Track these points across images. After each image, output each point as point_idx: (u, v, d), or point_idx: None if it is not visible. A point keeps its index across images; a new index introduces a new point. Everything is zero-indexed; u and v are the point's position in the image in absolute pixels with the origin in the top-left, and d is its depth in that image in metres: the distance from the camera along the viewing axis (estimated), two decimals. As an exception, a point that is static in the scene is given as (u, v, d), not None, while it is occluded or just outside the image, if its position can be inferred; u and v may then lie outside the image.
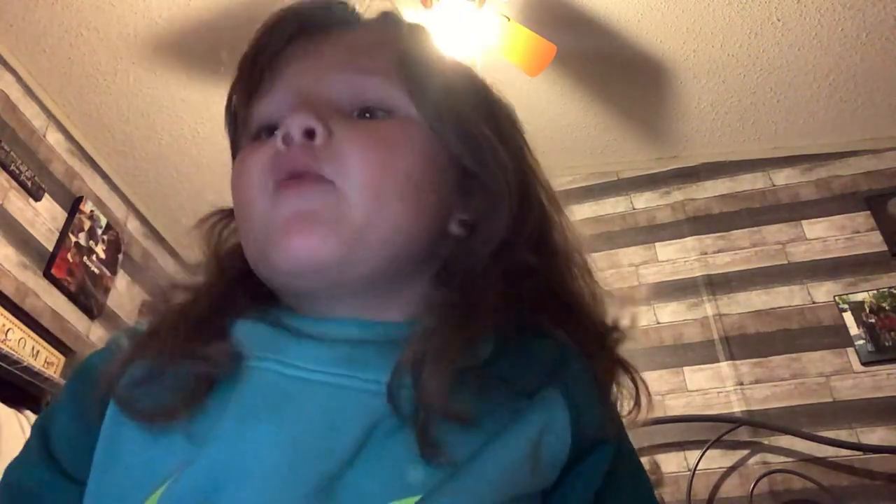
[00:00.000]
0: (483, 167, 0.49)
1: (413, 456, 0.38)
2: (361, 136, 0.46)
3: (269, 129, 0.49)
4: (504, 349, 0.44)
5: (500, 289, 0.45)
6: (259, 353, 0.43)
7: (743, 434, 2.16)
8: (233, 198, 0.49)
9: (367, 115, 0.48)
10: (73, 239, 2.28)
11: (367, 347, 0.44)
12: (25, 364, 1.79)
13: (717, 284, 2.44)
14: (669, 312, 2.43)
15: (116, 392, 0.44)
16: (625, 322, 0.51)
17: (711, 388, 2.26)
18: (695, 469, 2.09)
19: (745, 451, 2.15)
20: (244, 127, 0.51)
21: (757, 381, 2.24)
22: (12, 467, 0.47)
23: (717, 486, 2.11)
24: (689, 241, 2.55)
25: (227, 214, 0.54)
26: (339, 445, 0.39)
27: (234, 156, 0.54)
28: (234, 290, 0.48)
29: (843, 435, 2.07)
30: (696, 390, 2.27)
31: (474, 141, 0.49)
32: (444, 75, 0.51)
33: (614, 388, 0.49)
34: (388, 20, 0.54)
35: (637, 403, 0.49)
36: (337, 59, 0.49)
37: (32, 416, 1.72)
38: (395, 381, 0.40)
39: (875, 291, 2.28)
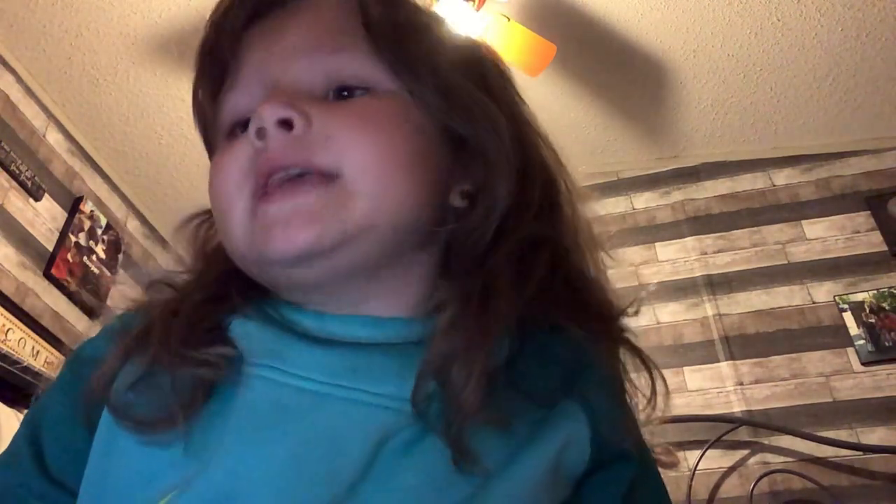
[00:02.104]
0: (474, 128, 0.45)
1: (430, 477, 0.36)
2: (345, 118, 0.42)
3: (243, 125, 0.45)
4: (519, 349, 0.41)
5: (514, 264, 0.42)
6: (260, 359, 0.40)
7: (743, 434, 2.16)
8: (211, 205, 0.46)
9: (345, 93, 0.44)
10: (73, 239, 2.28)
11: (375, 353, 0.41)
12: (25, 364, 1.79)
13: (717, 284, 2.44)
14: (669, 312, 2.43)
15: (109, 399, 0.40)
16: (630, 307, 0.48)
17: (711, 388, 2.26)
18: (695, 469, 2.09)
19: (745, 451, 2.15)
20: (215, 124, 0.48)
21: (757, 381, 2.24)
22: (2, 471, 0.43)
23: (717, 486, 2.11)
24: (689, 241, 2.55)
25: (208, 217, 0.50)
26: (347, 466, 0.36)
27: (210, 155, 0.51)
28: (225, 284, 0.45)
29: (843, 435, 2.07)
30: (696, 390, 2.27)
31: (460, 102, 0.45)
32: (417, 36, 0.46)
33: (629, 387, 0.46)
34: None
35: (653, 398, 0.46)
36: (302, 39, 0.45)
37: (32, 416, 1.72)
38: (420, 389, 0.37)
39: (875, 291, 2.28)
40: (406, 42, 0.45)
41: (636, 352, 0.47)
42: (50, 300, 2.16)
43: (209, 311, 0.43)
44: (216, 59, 0.47)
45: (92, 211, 2.40)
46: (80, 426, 0.42)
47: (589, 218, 0.50)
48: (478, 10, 1.92)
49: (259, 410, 0.38)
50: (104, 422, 0.41)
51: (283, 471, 0.36)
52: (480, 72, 0.49)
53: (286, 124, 0.41)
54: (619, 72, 2.32)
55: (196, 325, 0.42)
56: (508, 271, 0.42)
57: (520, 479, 0.37)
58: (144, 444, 0.39)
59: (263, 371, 0.39)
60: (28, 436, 0.44)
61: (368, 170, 0.41)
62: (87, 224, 2.36)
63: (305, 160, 0.41)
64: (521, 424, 0.39)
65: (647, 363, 0.46)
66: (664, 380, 0.47)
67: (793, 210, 2.52)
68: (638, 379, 0.46)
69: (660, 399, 0.46)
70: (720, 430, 2.13)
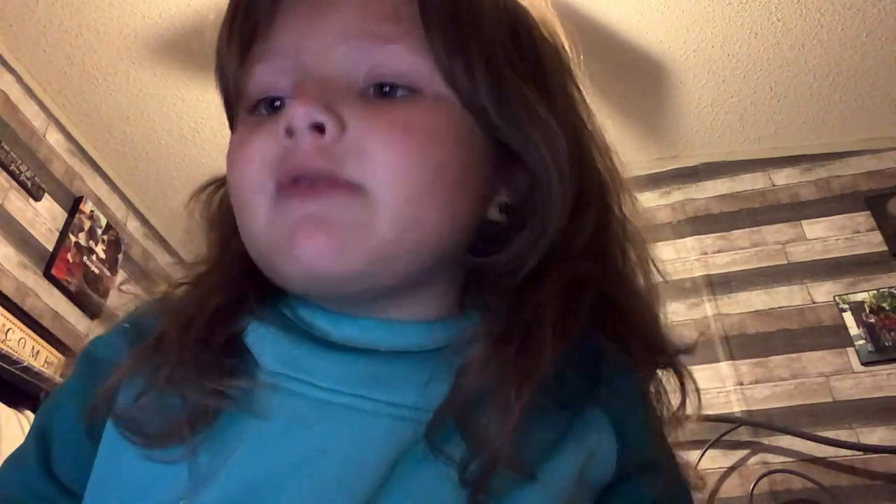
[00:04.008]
0: (528, 148, 0.41)
1: (449, 489, 0.34)
2: (383, 127, 0.38)
3: (270, 102, 0.41)
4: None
5: (559, 304, 0.39)
6: (276, 367, 0.38)
7: (743, 434, 2.15)
8: (229, 187, 0.42)
9: (387, 89, 0.39)
10: (73, 239, 2.28)
11: (394, 361, 0.39)
12: (25, 364, 1.78)
13: (717, 284, 2.44)
14: (669, 312, 2.42)
15: (114, 410, 0.39)
16: (684, 339, 0.45)
17: (711, 388, 2.26)
18: (694, 469, 2.09)
19: (745, 451, 2.15)
20: (238, 91, 0.43)
21: (757, 381, 2.24)
22: (9, 470, 0.43)
23: (717, 486, 2.10)
24: (689, 241, 2.55)
25: (222, 183, 0.47)
26: (364, 478, 0.35)
27: (229, 118, 0.47)
28: (242, 285, 0.42)
29: (843, 435, 2.07)
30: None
31: (516, 114, 0.40)
32: (477, 27, 0.40)
33: (656, 391, 0.44)
34: None
35: (683, 402, 0.44)
36: (349, 21, 0.40)
37: (32, 416, 1.71)
38: (437, 426, 0.35)
39: (875, 291, 2.28)
40: (464, 37, 0.40)
41: (678, 374, 0.45)
42: (50, 300, 2.16)
43: (225, 318, 0.41)
44: (248, 19, 0.42)
45: (92, 211, 2.39)
46: (89, 434, 0.41)
47: (643, 239, 0.46)
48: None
49: (274, 420, 0.37)
50: (109, 430, 0.40)
51: (298, 482, 0.35)
52: (541, 66, 0.44)
53: (318, 128, 0.38)
54: (619, 71, 2.32)
55: (212, 338, 0.40)
56: (552, 312, 0.38)
57: (544, 491, 0.36)
58: (148, 458, 0.37)
59: (279, 380, 0.38)
60: (37, 436, 0.43)
61: (398, 189, 0.37)
62: (87, 224, 2.36)
63: (334, 171, 0.37)
64: (547, 432, 0.37)
65: (683, 381, 0.44)
66: (698, 392, 0.45)
67: (793, 210, 2.51)
68: (668, 385, 0.45)
69: (689, 409, 0.44)
70: (720, 430, 2.13)
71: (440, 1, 0.40)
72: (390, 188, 0.37)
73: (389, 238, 0.37)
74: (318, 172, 0.38)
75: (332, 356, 0.39)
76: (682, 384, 0.45)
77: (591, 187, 0.43)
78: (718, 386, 2.26)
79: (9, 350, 1.81)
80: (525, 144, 0.41)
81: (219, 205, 0.47)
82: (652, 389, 0.45)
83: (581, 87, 0.48)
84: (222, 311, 0.41)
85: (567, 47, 0.48)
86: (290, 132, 0.38)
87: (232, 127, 0.47)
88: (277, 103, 0.42)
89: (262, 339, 0.40)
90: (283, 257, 0.39)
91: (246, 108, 0.43)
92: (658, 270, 0.47)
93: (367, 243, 0.37)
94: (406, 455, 0.35)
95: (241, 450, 0.36)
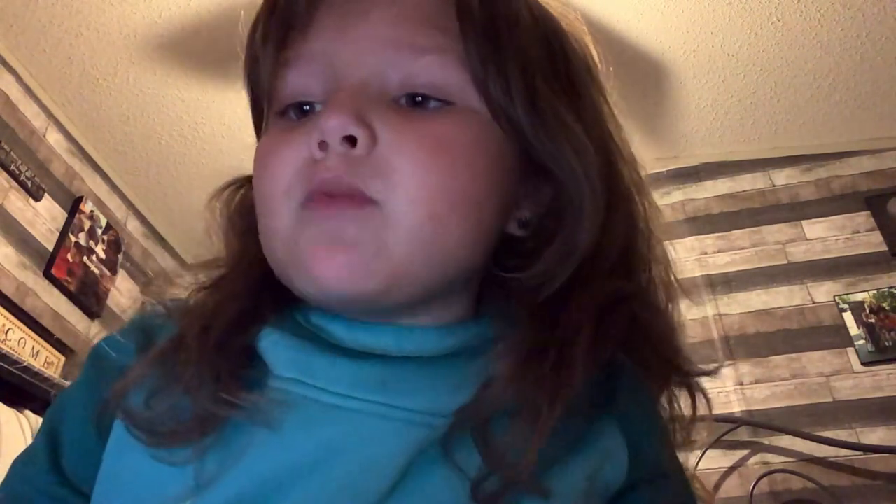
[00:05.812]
0: (562, 165, 0.40)
1: (460, 495, 0.34)
2: (413, 142, 0.37)
3: (299, 106, 0.42)
4: None
5: (593, 323, 0.38)
6: (288, 373, 0.38)
7: (743, 434, 2.16)
8: (255, 191, 0.42)
9: (419, 99, 0.39)
10: (73, 239, 2.28)
11: (406, 366, 0.38)
12: (25, 364, 1.78)
13: (717, 284, 2.44)
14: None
15: (124, 408, 0.39)
16: (705, 366, 0.45)
17: (711, 388, 2.24)
18: (695, 469, 2.09)
19: (745, 451, 2.15)
20: (269, 94, 0.43)
21: (757, 381, 2.24)
22: (18, 469, 0.43)
23: (717, 486, 2.10)
24: (689, 241, 2.55)
25: (244, 183, 0.47)
26: (375, 482, 0.34)
27: (255, 120, 0.47)
28: (260, 292, 0.42)
29: (843, 435, 2.07)
30: (696, 390, 2.26)
31: (553, 134, 0.40)
32: (514, 37, 0.40)
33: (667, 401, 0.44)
34: None
35: (693, 417, 0.45)
36: (384, 29, 0.40)
37: (32, 416, 1.71)
38: (458, 429, 0.35)
39: (875, 291, 2.28)
40: (501, 49, 0.39)
41: (691, 393, 0.45)
42: (50, 300, 2.16)
43: (243, 325, 0.41)
44: (285, 22, 0.42)
45: (92, 211, 2.40)
46: (97, 434, 0.41)
47: (667, 254, 0.46)
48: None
49: (285, 424, 0.36)
50: (117, 429, 0.40)
51: (306, 484, 0.35)
52: (572, 79, 0.44)
53: (350, 140, 0.37)
54: (619, 72, 2.31)
55: (229, 344, 0.40)
56: (588, 332, 0.38)
57: (554, 498, 0.36)
58: (155, 458, 0.37)
59: (290, 385, 0.38)
60: (47, 435, 0.43)
61: (420, 207, 0.37)
62: (87, 224, 2.36)
63: (357, 186, 0.37)
64: (560, 441, 0.37)
65: (695, 400, 0.45)
66: (709, 405, 0.45)
67: (793, 210, 2.51)
68: (679, 400, 0.45)
69: (700, 420, 0.44)
70: (720, 430, 2.13)
71: (478, 12, 0.39)
72: (411, 206, 0.37)
73: (406, 259, 0.37)
74: (342, 186, 0.37)
75: (345, 361, 0.38)
76: (695, 403, 0.45)
77: (620, 202, 0.43)
78: (718, 386, 2.26)
79: (9, 350, 1.80)
80: (557, 160, 0.41)
81: (238, 206, 0.47)
82: (664, 401, 0.45)
83: (609, 100, 0.48)
84: (241, 317, 0.41)
85: (596, 59, 0.49)
86: (322, 146, 0.38)
87: (258, 126, 0.47)
88: (307, 107, 0.42)
89: (275, 345, 0.40)
90: (299, 274, 0.39)
91: (276, 110, 0.43)
92: (679, 284, 0.47)
93: (382, 265, 0.37)
94: (418, 459, 0.35)
95: (251, 453, 0.36)
